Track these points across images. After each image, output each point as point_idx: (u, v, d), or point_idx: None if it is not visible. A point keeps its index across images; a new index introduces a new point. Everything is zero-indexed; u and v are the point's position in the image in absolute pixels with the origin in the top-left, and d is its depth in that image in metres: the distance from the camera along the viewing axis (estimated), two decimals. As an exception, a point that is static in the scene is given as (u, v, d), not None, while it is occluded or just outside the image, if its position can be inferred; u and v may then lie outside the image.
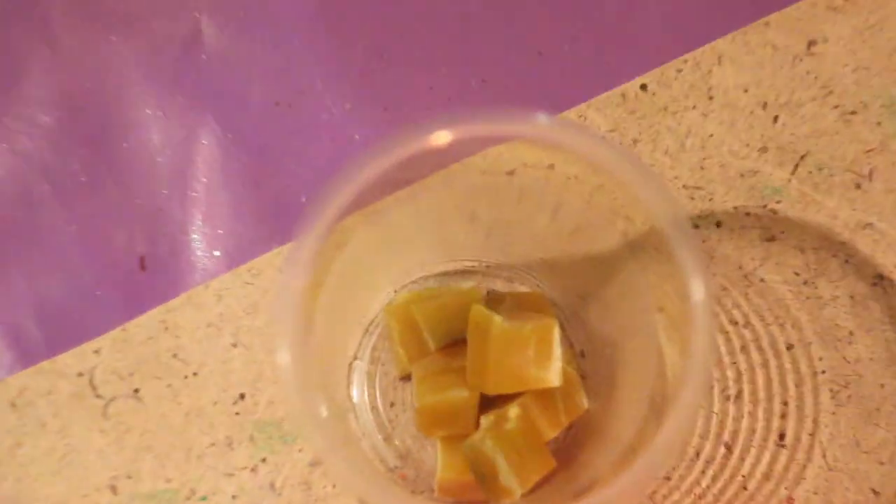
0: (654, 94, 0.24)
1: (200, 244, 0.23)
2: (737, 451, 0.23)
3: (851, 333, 0.24)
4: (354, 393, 0.23)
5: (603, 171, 0.20)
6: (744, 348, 0.24)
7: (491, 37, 0.25)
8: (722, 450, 0.23)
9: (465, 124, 0.20)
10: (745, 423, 0.24)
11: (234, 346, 0.23)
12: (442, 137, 0.20)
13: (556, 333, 0.22)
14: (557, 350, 0.22)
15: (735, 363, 0.24)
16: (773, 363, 0.24)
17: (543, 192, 0.22)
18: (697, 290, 0.19)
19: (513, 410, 0.22)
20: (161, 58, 0.24)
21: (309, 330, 0.20)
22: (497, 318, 0.22)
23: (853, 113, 0.25)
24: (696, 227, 0.24)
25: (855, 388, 0.24)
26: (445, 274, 0.24)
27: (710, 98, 0.24)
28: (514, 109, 0.19)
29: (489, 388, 0.22)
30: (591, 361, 0.23)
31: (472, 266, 0.24)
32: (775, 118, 0.24)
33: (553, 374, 0.22)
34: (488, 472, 0.21)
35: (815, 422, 0.24)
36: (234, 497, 0.23)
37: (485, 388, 0.22)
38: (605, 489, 0.19)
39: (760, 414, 0.24)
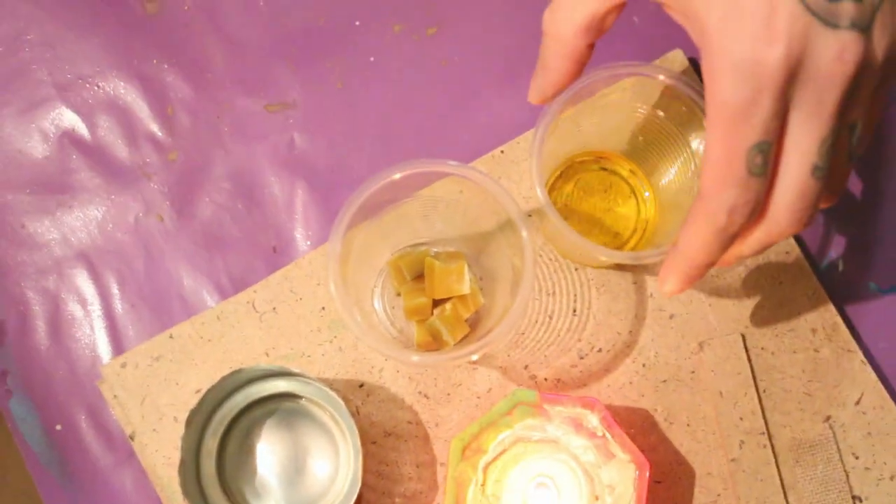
0: (506, 154, 0.50)
1: (303, 239, 0.49)
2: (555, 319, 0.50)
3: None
4: (376, 304, 0.49)
5: (486, 191, 0.46)
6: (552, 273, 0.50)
7: (428, 138, 0.51)
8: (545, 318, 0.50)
9: (417, 167, 0.46)
10: (556, 305, 0.50)
11: (318, 285, 0.49)
12: (401, 171, 0.45)
13: (465, 269, 0.48)
14: (466, 276, 0.48)
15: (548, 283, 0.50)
16: (566, 278, 0.50)
17: (458, 202, 0.48)
18: (526, 236, 0.45)
19: (448, 305, 0.48)
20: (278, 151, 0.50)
21: (345, 273, 0.46)
22: (437, 263, 0.48)
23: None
24: (530, 216, 0.50)
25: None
26: (415, 245, 0.50)
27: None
28: (443, 160, 0.45)
29: (436, 296, 0.48)
30: (484, 283, 0.50)
31: (427, 241, 0.50)
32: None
33: (465, 286, 0.48)
34: (437, 335, 0.48)
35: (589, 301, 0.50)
36: (322, 356, 0.49)
37: (434, 296, 0.48)
38: (488, 336, 0.45)
39: (562, 300, 0.50)
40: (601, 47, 0.54)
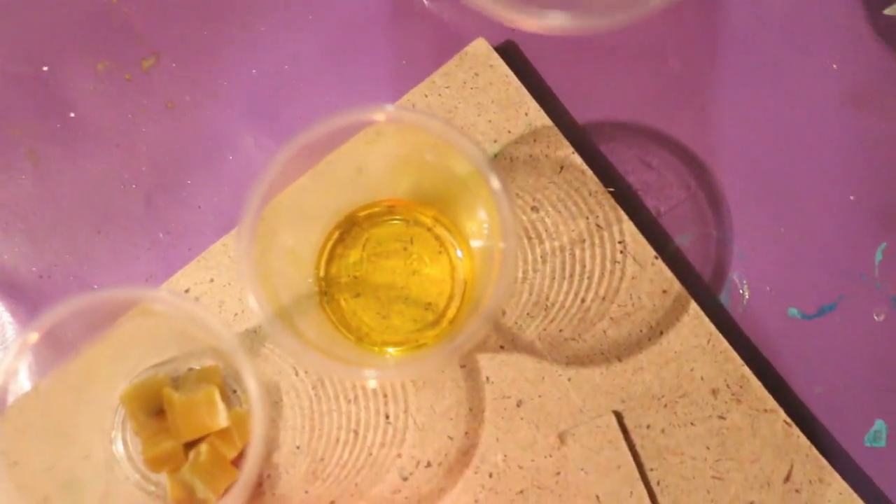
0: (267, 223, 0.38)
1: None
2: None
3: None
4: (118, 450, 0.38)
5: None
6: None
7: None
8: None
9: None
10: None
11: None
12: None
13: (216, 395, 0.37)
14: (220, 405, 0.37)
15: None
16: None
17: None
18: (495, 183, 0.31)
19: (203, 447, 0.37)
20: None
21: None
22: (175, 395, 0.37)
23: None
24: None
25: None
26: (157, 366, 0.39)
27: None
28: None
29: (184, 437, 0.37)
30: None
31: (173, 358, 0.38)
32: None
33: (220, 419, 0.37)
34: (190, 490, 0.37)
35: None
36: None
37: (182, 438, 0.37)
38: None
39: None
40: (397, 41, 0.42)
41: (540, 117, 0.40)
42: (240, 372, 0.33)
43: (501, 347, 0.39)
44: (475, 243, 0.37)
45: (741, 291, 0.41)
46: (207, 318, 0.33)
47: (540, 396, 0.39)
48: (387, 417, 0.39)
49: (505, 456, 0.39)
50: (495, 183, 0.29)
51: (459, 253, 0.39)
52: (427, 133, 0.32)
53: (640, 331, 0.40)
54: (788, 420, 0.39)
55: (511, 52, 0.41)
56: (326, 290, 0.39)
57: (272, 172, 0.31)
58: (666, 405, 0.39)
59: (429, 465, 0.39)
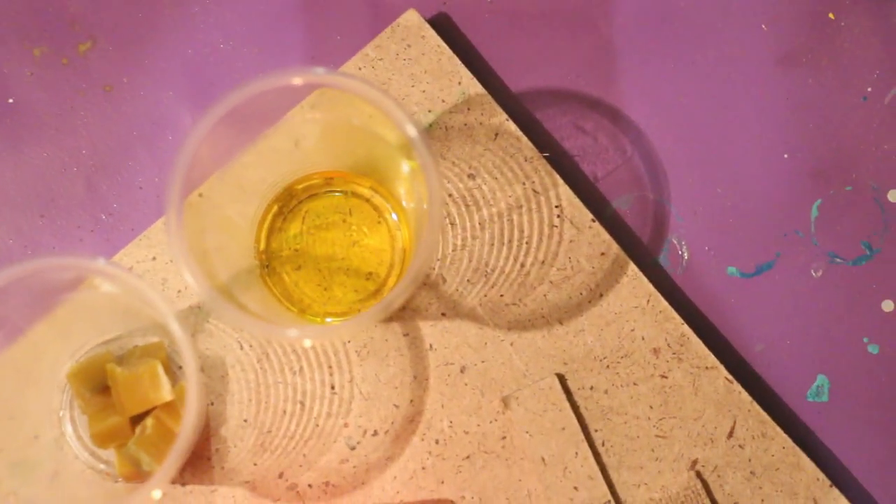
0: (206, 197, 0.39)
1: None
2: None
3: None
4: (67, 430, 0.39)
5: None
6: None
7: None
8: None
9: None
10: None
11: None
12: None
13: (159, 369, 0.38)
14: (163, 378, 0.38)
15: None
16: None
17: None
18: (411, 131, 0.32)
19: (149, 421, 0.38)
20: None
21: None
22: (118, 370, 0.38)
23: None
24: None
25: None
26: (103, 343, 0.40)
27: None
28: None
29: (129, 412, 0.38)
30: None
31: (118, 336, 0.39)
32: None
33: (164, 393, 0.38)
34: (137, 464, 0.38)
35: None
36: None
37: (126, 413, 0.38)
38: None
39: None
40: (330, 14, 0.43)
41: (473, 86, 0.41)
42: (174, 340, 0.34)
43: (443, 314, 0.41)
44: (408, 207, 0.38)
45: (680, 252, 0.42)
46: (142, 287, 0.34)
47: (483, 362, 0.40)
48: (332, 388, 0.40)
49: (451, 422, 0.40)
50: (411, 131, 0.31)
51: (395, 217, 0.40)
52: (351, 96, 0.33)
53: (580, 293, 0.41)
54: (729, 377, 0.40)
55: (443, 23, 0.42)
56: (268, 264, 0.40)
57: (195, 139, 0.33)
58: (608, 366, 0.41)
59: (375, 433, 0.40)
